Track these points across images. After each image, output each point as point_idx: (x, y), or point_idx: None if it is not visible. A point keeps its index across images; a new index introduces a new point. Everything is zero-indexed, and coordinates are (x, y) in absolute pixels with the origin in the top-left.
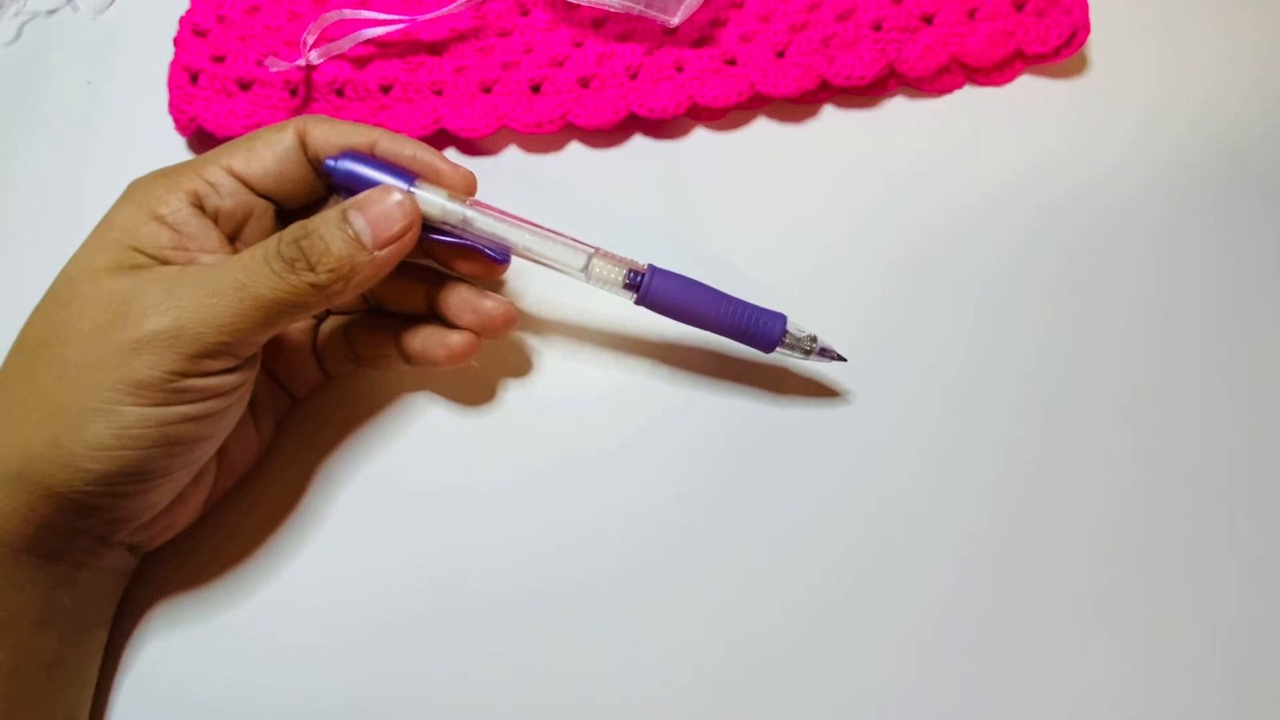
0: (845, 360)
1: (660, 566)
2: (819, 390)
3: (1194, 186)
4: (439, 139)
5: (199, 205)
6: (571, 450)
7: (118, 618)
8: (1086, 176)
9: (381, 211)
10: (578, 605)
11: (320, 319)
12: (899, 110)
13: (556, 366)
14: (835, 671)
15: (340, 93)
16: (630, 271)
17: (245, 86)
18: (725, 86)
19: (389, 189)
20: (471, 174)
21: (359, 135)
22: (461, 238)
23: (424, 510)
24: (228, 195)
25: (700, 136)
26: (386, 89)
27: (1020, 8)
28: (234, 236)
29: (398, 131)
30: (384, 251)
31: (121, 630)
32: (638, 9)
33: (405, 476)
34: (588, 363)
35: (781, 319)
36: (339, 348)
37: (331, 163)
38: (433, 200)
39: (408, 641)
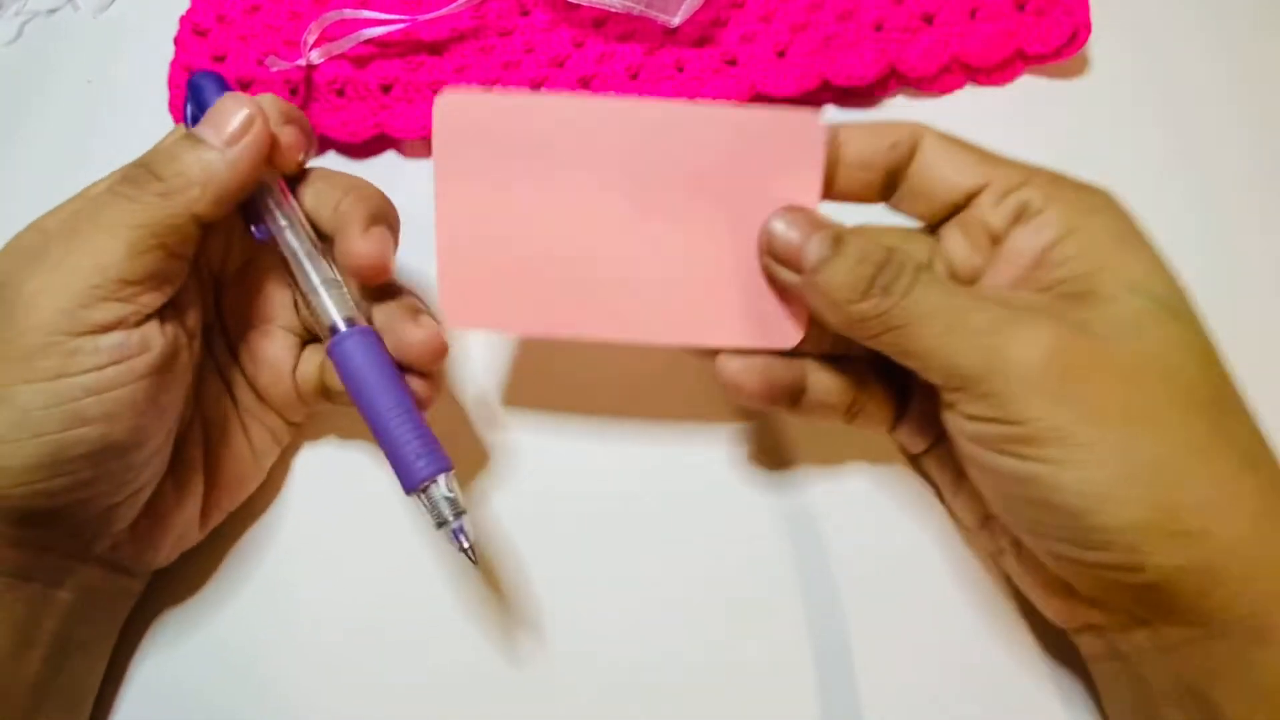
0: (475, 563)
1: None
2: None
3: (1194, 186)
4: None
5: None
6: (569, 460)
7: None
8: (1087, 176)
9: (221, 110)
10: (577, 612)
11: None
12: (900, 110)
13: (557, 385)
14: (838, 697)
15: (341, 92)
16: (336, 324)
17: (245, 86)
18: (725, 86)
19: (235, 96)
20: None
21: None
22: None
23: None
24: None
25: None
26: (387, 89)
27: (1021, 8)
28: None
29: (398, 131)
30: (234, 149)
31: (122, 649)
32: (638, 9)
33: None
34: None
35: (438, 466)
36: (312, 378)
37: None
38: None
39: (410, 653)
